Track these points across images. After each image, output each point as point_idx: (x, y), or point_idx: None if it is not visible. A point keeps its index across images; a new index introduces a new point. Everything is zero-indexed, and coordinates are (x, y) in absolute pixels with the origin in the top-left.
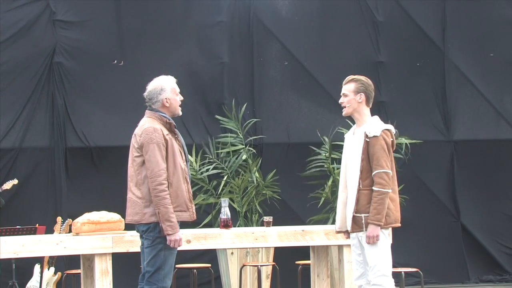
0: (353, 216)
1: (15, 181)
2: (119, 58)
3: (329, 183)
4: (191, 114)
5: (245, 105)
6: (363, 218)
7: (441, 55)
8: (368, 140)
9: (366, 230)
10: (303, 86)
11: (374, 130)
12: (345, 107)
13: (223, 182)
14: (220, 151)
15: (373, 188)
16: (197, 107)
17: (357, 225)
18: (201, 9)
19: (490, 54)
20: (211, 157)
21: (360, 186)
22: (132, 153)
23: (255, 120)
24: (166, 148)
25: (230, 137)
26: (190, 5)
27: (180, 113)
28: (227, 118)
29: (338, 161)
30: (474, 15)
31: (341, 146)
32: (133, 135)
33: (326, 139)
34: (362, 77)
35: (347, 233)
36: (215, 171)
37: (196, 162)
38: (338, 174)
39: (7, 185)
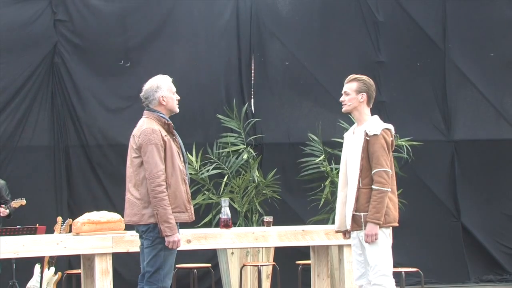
0: (353, 215)
1: (23, 202)
2: (125, 59)
3: (327, 182)
4: (192, 114)
5: (246, 104)
6: (362, 217)
7: (442, 55)
8: (368, 138)
9: (365, 228)
10: (304, 86)
11: (374, 129)
12: (345, 104)
13: (223, 183)
14: (221, 150)
15: (373, 186)
16: (198, 106)
17: (357, 224)
18: (202, 10)
19: (491, 54)
20: (212, 157)
21: (360, 184)
22: (131, 154)
23: (256, 119)
24: (164, 149)
25: (231, 136)
26: (191, 5)
27: (178, 110)
28: (228, 118)
29: (336, 160)
30: (474, 15)
31: (339, 144)
32: (131, 136)
33: (316, 138)
34: (365, 77)
35: (348, 233)
36: (215, 171)
37: (197, 162)
38: (336, 175)
39: (16, 204)
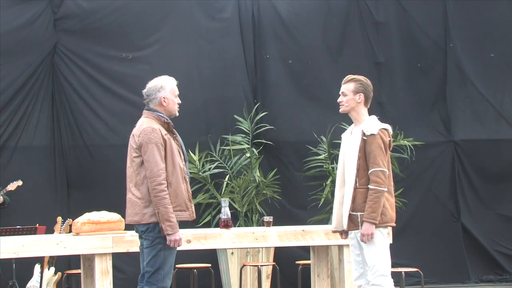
0: (349, 215)
1: (20, 183)
2: (126, 54)
3: (328, 182)
4: (195, 112)
5: (265, 113)
6: (359, 217)
7: (442, 55)
8: (365, 138)
9: (361, 228)
10: (305, 86)
11: (371, 128)
12: (343, 105)
13: (225, 183)
14: (225, 147)
15: (369, 186)
16: (201, 104)
17: (353, 223)
18: (205, 8)
19: (491, 54)
20: (215, 154)
21: (357, 184)
22: (131, 153)
23: (269, 127)
24: (164, 148)
25: (239, 135)
26: (195, 4)
27: (177, 113)
28: (243, 119)
29: (337, 160)
30: (475, 15)
31: (340, 145)
32: (131, 136)
33: (324, 139)
34: (362, 77)
35: (344, 233)
36: (216, 171)
37: (200, 160)
38: None
39: (12, 186)
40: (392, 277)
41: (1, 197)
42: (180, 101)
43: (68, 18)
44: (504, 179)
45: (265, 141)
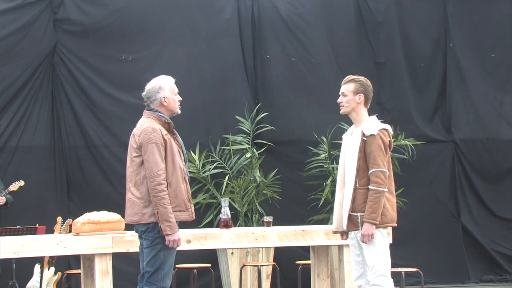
0: (349, 215)
1: (22, 183)
2: (126, 59)
3: (328, 182)
4: (195, 113)
5: (266, 114)
6: (359, 217)
7: (442, 55)
8: (365, 139)
9: (362, 229)
10: (305, 86)
11: (371, 129)
12: (343, 106)
13: (224, 183)
14: (225, 147)
15: (369, 186)
16: (201, 105)
17: (353, 224)
18: (205, 8)
19: (491, 55)
20: (215, 155)
21: (357, 185)
22: (131, 153)
23: (270, 128)
24: (165, 148)
25: (239, 135)
26: (195, 4)
27: (179, 111)
28: (244, 119)
29: (338, 161)
30: (475, 15)
31: (341, 145)
32: (131, 135)
33: (324, 139)
34: (362, 78)
35: (345, 234)
36: (216, 171)
37: (200, 160)
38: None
39: (14, 187)
40: (392, 277)
41: (4, 197)
42: (180, 98)
43: (68, 19)
44: (504, 179)
45: (265, 142)
